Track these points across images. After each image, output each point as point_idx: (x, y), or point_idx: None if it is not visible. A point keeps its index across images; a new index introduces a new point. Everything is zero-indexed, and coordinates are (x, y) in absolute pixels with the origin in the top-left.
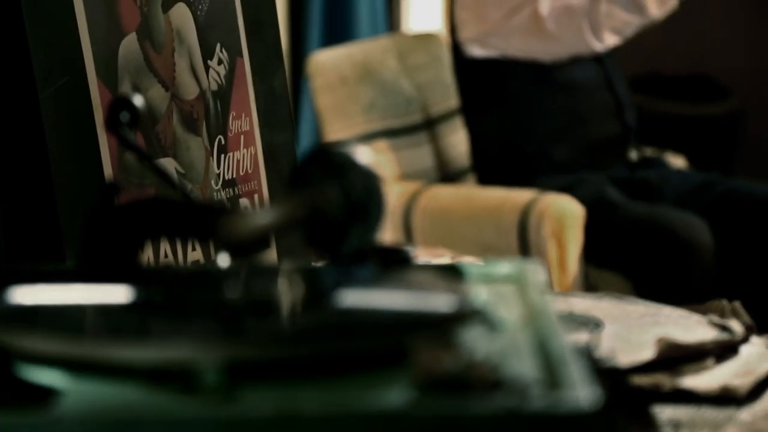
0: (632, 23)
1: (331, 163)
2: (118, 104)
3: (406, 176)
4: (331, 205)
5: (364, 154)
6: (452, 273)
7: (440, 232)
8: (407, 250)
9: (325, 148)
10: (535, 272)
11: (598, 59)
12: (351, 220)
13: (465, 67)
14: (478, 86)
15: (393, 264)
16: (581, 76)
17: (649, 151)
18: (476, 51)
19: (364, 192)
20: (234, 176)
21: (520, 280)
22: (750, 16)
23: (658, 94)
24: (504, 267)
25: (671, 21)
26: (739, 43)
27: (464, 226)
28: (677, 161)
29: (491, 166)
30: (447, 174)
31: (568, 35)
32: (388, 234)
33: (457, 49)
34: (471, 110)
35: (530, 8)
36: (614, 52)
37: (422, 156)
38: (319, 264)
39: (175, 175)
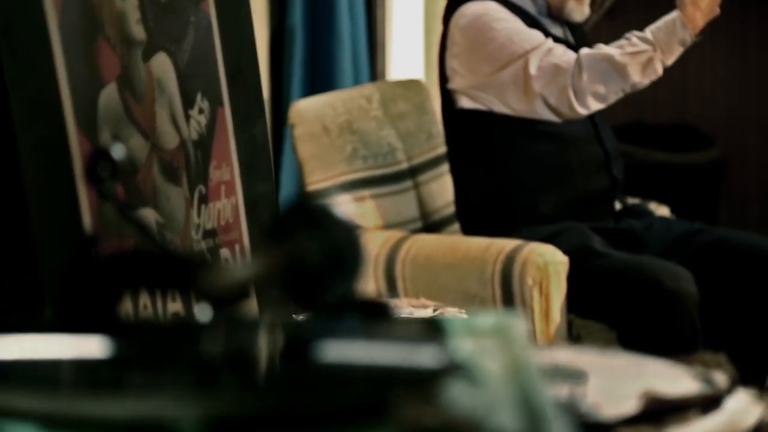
0: (616, 91)
1: (310, 215)
2: (97, 156)
3: (389, 225)
4: (311, 257)
5: (343, 206)
6: (434, 326)
7: (423, 281)
8: (388, 302)
9: (305, 200)
10: (518, 324)
11: None
12: (330, 272)
13: (453, 116)
14: (466, 135)
15: (374, 316)
16: (570, 128)
17: (632, 200)
18: (465, 103)
19: (343, 244)
20: (215, 226)
21: (503, 333)
22: (731, 66)
23: (641, 143)
24: (487, 319)
25: None
26: (720, 92)
27: (447, 275)
28: (661, 210)
29: (476, 215)
30: (430, 222)
31: (553, 97)
32: (370, 283)
33: (446, 97)
34: (458, 159)
35: (520, 65)
36: None
37: (405, 204)
38: (300, 316)
39: (154, 227)
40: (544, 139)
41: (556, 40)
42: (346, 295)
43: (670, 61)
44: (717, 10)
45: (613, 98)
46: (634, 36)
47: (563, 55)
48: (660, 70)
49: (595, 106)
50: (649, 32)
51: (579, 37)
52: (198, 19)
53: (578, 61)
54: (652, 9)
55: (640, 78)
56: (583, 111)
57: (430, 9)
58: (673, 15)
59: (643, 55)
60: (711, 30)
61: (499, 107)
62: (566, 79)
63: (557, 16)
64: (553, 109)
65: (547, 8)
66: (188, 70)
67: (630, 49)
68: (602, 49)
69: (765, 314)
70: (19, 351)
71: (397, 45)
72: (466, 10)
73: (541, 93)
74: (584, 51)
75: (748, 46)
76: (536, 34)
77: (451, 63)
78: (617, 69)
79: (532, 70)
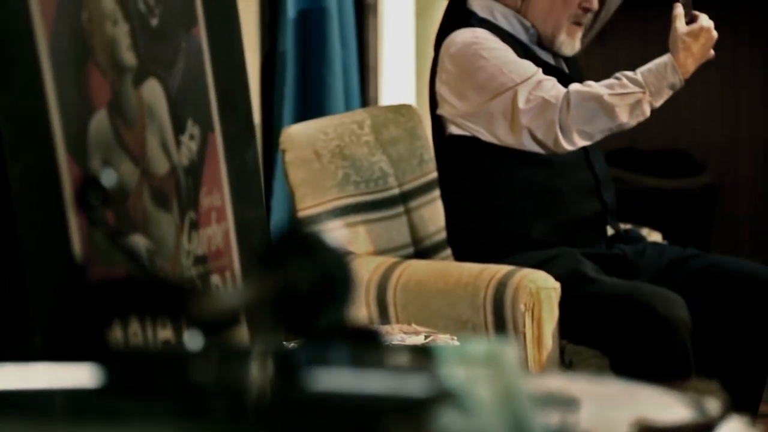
0: (602, 130)
1: (301, 242)
2: (88, 184)
3: (380, 250)
4: (301, 284)
5: (334, 233)
6: (425, 354)
7: (415, 307)
8: (379, 329)
9: (296, 227)
10: (510, 352)
11: None
12: (321, 299)
13: (444, 142)
14: (456, 161)
15: (365, 344)
16: (560, 154)
17: (625, 226)
18: (454, 129)
19: (334, 272)
20: (205, 252)
21: (495, 361)
22: (723, 93)
23: (633, 169)
24: (478, 346)
25: None
26: (712, 119)
27: (439, 301)
28: (654, 236)
29: (467, 241)
30: (422, 248)
31: (540, 131)
32: (362, 309)
33: (437, 123)
34: (449, 185)
35: (509, 96)
36: None
37: (397, 230)
38: (291, 344)
39: (144, 254)
40: (534, 165)
41: (548, 67)
42: (337, 322)
43: (658, 103)
44: (710, 54)
45: (599, 136)
46: (624, 76)
47: (552, 89)
48: (648, 112)
49: (581, 142)
50: (639, 74)
51: (571, 64)
52: (189, 46)
53: (567, 97)
54: (640, 34)
55: (627, 119)
56: (568, 147)
57: (421, 34)
58: (665, 58)
59: (631, 97)
60: None
61: (486, 137)
62: (554, 115)
63: (548, 47)
64: (539, 143)
65: (538, 37)
66: (179, 96)
67: (619, 90)
68: (592, 87)
69: (758, 341)
70: (8, 380)
71: (388, 70)
72: (456, 38)
73: (529, 126)
74: (573, 87)
75: (739, 73)
76: (527, 65)
77: (441, 90)
78: (605, 109)
79: (521, 103)
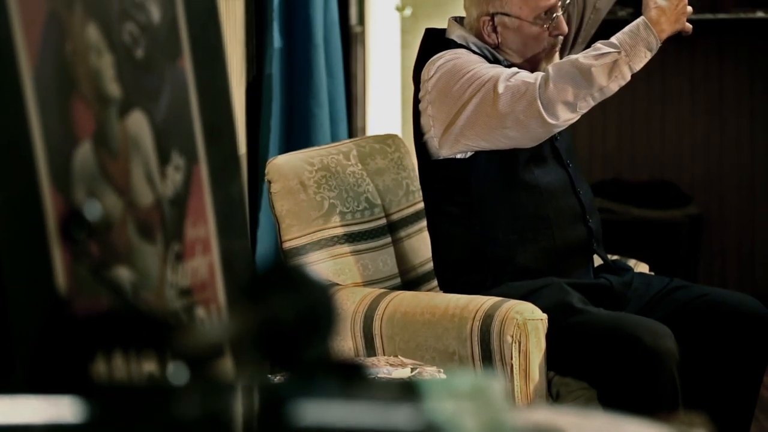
0: (584, 96)
1: (285, 275)
2: (71, 218)
3: (367, 281)
4: (286, 317)
5: (319, 264)
6: (411, 387)
7: (402, 339)
8: (364, 362)
9: (281, 260)
10: (497, 385)
11: (562, 163)
12: (305, 332)
13: (430, 169)
14: (442, 189)
15: (350, 377)
16: (545, 179)
17: (612, 257)
18: (444, 151)
19: (318, 305)
20: (190, 284)
21: (482, 394)
22: (709, 125)
23: (620, 200)
24: (465, 380)
25: (632, 128)
26: (699, 150)
27: (426, 332)
28: (641, 267)
29: (454, 270)
30: (409, 279)
31: (522, 113)
32: (348, 340)
33: (422, 153)
34: (435, 213)
35: (489, 87)
36: (577, 156)
37: (383, 261)
38: (276, 377)
39: (128, 287)
40: (520, 191)
41: None
42: (322, 355)
43: (637, 64)
44: (687, 26)
45: (583, 106)
46: (598, 42)
47: (529, 74)
48: (627, 75)
49: (565, 115)
50: (613, 37)
51: None
52: (174, 77)
53: (545, 74)
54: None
55: (606, 81)
56: (553, 121)
57: (407, 64)
58: (638, 19)
59: (607, 57)
60: (689, 89)
61: (476, 141)
62: (534, 92)
63: None
64: (524, 127)
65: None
66: (164, 127)
67: (594, 52)
68: (567, 58)
69: (745, 372)
70: None
71: (374, 100)
72: (434, 59)
73: (511, 111)
74: (552, 64)
75: (725, 105)
76: (504, 69)
77: (428, 112)
78: (583, 73)
79: (500, 88)
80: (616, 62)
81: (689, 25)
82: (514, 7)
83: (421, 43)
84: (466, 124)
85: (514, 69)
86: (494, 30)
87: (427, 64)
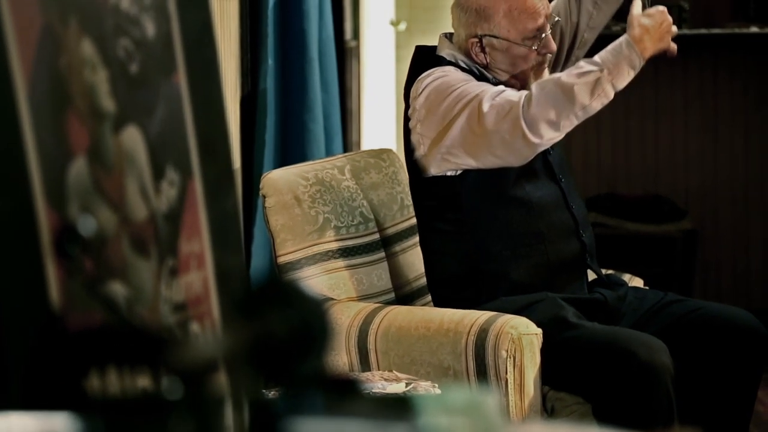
0: (567, 115)
1: (279, 290)
2: (66, 234)
3: (361, 296)
4: (279, 332)
5: (313, 279)
6: (405, 403)
7: (396, 354)
8: (358, 378)
9: (275, 275)
10: (492, 400)
11: (554, 178)
12: (299, 348)
13: (422, 185)
14: (434, 204)
15: (344, 392)
16: (537, 194)
17: (606, 271)
18: (433, 170)
19: (312, 320)
20: (184, 299)
21: (476, 409)
22: (703, 139)
23: (614, 214)
24: (459, 395)
25: (627, 142)
26: (693, 165)
27: (421, 347)
28: (635, 281)
29: (447, 285)
30: (403, 294)
31: (507, 132)
32: (343, 355)
33: (413, 168)
34: (428, 229)
35: (474, 105)
36: (571, 171)
37: (378, 275)
38: (270, 392)
39: (122, 303)
40: (512, 206)
41: None
42: (316, 370)
43: (620, 83)
44: (672, 47)
45: (566, 124)
46: (582, 60)
47: (515, 93)
48: (610, 93)
49: (549, 134)
50: (597, 56)
51: None
52: (169, 92)
53: (528, 93)
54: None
55: (589, 100)
56: (536, 140)
57: (402, 79)
58: (621, 38)
59: (590, 76)
60: (684, 104)
61: (464, 159)
62: (518, 111)
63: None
64: (509, 146)
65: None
66: (158, 142)
67: (576, 71)
68: (551, 77)
69: (740, 386)
70: None
71: (369, 115)
72: (423, 77)
73: (496, 129)
74: (536, 83)
75: (719, 120)
76: (492, 87)
77: (417, 130)
78: (565, 91)
79: (485, 107)
80: (598, 80)
81: (674, 45)
82: (502, 30)
83: (411, 60)
84: (453, 143)
85: (501, 87)
86: (482, 51)
87: (416, 82)
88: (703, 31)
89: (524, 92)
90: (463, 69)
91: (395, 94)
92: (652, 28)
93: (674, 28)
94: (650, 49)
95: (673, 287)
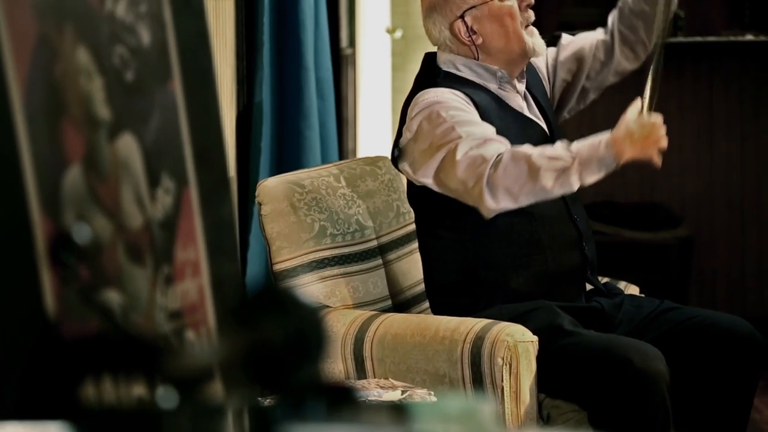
0: (526, 192)
1: (275, 297)
2: (61, 242)
3: (357, 303)
4: (275, 339)
5: (309, 287)
6: (401, 411)
7: (392, 361)
8: (354, 386)
9: (270, 283)
10: (487, 407)
11: None
12: (295, 355)
13: (420, 193)
14: (435, 211)
15: (340, 400)
16: (540, 204)
17: (602, 279)
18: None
19: (307, 328)
20: (180, 307)
21: (472, 417)
22: (700, 147)
23: (611, 222)
24: (455, 402)
25: None
26: (689, 173)
27: (416, 355)
28: (631, 289)
29: (446, 292)
30: (400, 301)
31: (470, 184)
32: (339, 363)
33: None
34: (427, 235)
35: (450, 147)
36: None
37: (374, 283)
38: (266, 400)
39: (117, 311)
40: (514, 216)
41: (519, 115)
42: (312, 378)
43: (588, 179)
44: (656, 161)
45: (524, 200)
46: (560, 143)
47: (492, 149)
48: (575, 185)
49: (505, 202)
50: (574, 144)
51: (544, 108)
52: (164, 100)
53: (499, 156)
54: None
55: (551, 185)
56: (491, 204)
57: (398, 87)
58: (603, 134)
59: (559, 162)
60: (679, 112)
61: (437, 189)
62: (485, 170)
63: (518, 80)
64: (468, 197)
65: (508, 78)
66: (154, 149)
67: (549, 153)
68: (526, 148)
69: (736, 393)
70: None
71: (365, 122)
72: (420, 98)
73: (462, 179)
74: (510, 147)
75: (715, 127)
76: (482, 128)
77: (405, 146)
78: (531, 170)
79: (458, 155)
80: (566, 170)
81: (658, 161)
82: None
83: (420, 67)
84: (426, 174)
85: (484, 135)
86: (471, 30)
87: (413, 100)
88: (698, 39)
89: (500, 150)
90: (459, 79)
91: (391, 102)
92: (638, 136)
93: (664, 143)
94: (628, 154)
95: (669, 295)
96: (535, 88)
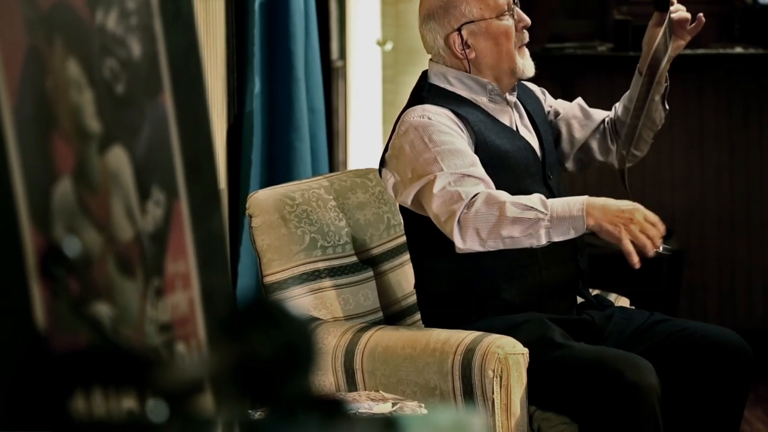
0: (494, 236)
1: (265, 310)
2: (51, 255)
3: (348, 316)
4: (265, 352)
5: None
6: (392, 423)
7: (383, 374)
8: (344, 398)
9: (260, 296)
10: (478, 419)
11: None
12: (285, 368)
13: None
14: (427, 223)
15: (330, 413)
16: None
17: (593, 291)
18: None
19: (297, 340)
20: (170, 320)
21: (462, 429)
22: (690, 160)
23: None
24: (446, 415)
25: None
26: (679, 185)
27: (407, 367)
28: (621, 301)
29: (437, 303)
30: (390, 313)
31: (443, 220)
32: (329, 375)
33: None
34: (419, 246)
35: (427, 181)
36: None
37: (364, 295)
38: (256, 413)
39: (108, 324)
40: None
41: (508, 129)
42: (302, 391)
43: (556, 237)
44: (632, 258)
45: (491, 245)
46: (536, 195)
47: (470, 186)
48: (543, 240)
49: (472, 243)
50: (551, 201)
51: (536, 122)
52: (155, 112)
53: (474, 196)
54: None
55: (519, 234)
56: (459, 243)
57: (388, 98)
58: (581, 197)
59: (531, 213)
60: (668, 124)
61: (416, 211)
62: (458, 209)
63: (509, 93)
64: (441, 228)
65: (498, 90)
66: (144, 162)
67: (525, 203)
68: (502, 195)
69: (727, 406)
70: None
71: (356, 135)
72: (408, 116)
73: (436, 213)
74: (487, 190)
75: (704, 140)
76: (464, 160)
77: (388, 162)
78: (502, 217)
79: (435, 189)
80: (536, 223)
81: (635, 259)
82: (474, 12)
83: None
84: (408, 203)
85: (463, 172)
86: (465, 44)
87: (401, 117)
88: (688, 51)
89: (477, 190)
90: (448, 94)
91: (381, 114)
92: (612, 209)
93: (642, 229)
94: (596, 221)
95: (659, 307)
96: (528, 104)
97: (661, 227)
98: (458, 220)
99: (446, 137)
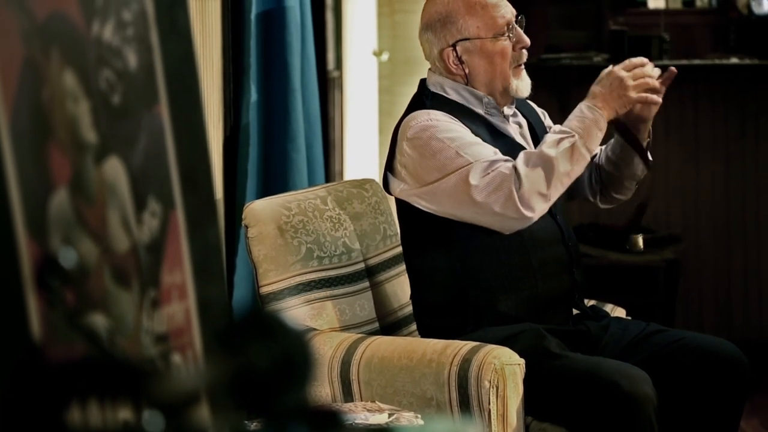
0: (554, 184)
1: (261, 321)
2: (47, 266)
3: (344, 326)
4: (261, 363)
5: (296, 310)
6: None
7: (379, 384)
8: (339, 409)
9: (256, 307)
10: (474, 430)
11: (551, 214)
12: (281, 379)
13: (411, 214)
14: (424, 233)
15: (326, 424)
16: (533, 228)
17: (589, 302)
18: (416, 205)
19: (293, 351)
20: (166, 330)
21: None
22: (686, 170)
23: (597, 244)
24: (442, 426)
25: None
26: (675, 196)
27: (403, 377)
28: (617, 312)
29: (434, 313)
30: (387, 324)
31: (498, 204)
32: (325, 386)
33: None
34: (416, 256)
35: (462, 175)
36: (564, 210)
37: (361, 305)
38: (251, 424)
39: (104, 334)
40: (505, 238)
41: (507, 139)
42: (298, 402)
43: (593, 145)
44: (648, 98)
45: (554, 194)
46: (550, 134)
47: (504, 165)
48: (587, 155)
49: (540, 206)
50: (564, 125)
51: (538, 131)
52: (151, 123)
53: (516, 170)
54: None
55: (570, 165)
56: (530, 214)
57: (384, 109)
58: (581, 105)
59: (565, 143)
60: (665, 135)
61: (441, 214)
62: (510, 187)
63: (507, 106)
64: (499, 218)
65: (495, 103)
66: (140, 173)
67: (552, 139)
68: (529, 151)
69: (723, 417)
70: None
71: (352, 145)
72: (412, 121)
73: (485, 202)
74: (519, 158)
75: (700, 150)
76: (483, 147)
77: (400, 170)
78: (547, 163)
79: (473, 180)
80: (574, 146)
81: (658, 99)
82: (471, 29)
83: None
84: (434, 199)
85: (490, 159)
86: (459, 60)
87: (404, 123)
88: (684, 62)
89: (511, 164)
90: (448, 101)
91: (378, 124)
92: (606, 92)
93: (647, 79)
94: (608, 109)
95: (655, 317)
96: (528, 115)
97: (643, 59)
98: (518, 197)
99: (458, 133)
